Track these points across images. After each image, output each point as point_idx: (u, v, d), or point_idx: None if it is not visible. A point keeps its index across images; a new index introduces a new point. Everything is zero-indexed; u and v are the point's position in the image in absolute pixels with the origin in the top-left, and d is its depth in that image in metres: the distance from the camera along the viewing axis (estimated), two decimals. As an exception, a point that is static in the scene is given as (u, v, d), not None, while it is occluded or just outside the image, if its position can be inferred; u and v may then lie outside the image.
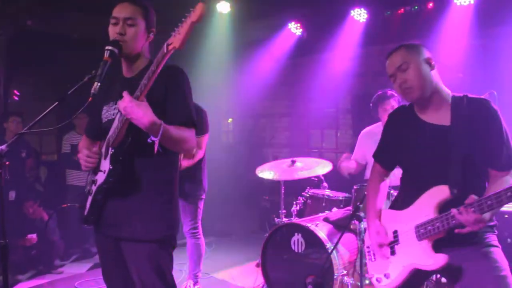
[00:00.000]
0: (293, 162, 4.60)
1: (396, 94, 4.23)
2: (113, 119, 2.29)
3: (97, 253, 2.54)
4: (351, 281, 3.81)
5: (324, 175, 4.71)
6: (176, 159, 2.44)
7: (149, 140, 2.09)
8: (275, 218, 4.60)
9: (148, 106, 2.06)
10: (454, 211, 2.04)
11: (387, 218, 2.46)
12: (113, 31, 2.29)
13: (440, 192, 2.18)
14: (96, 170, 2.35)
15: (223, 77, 7.91)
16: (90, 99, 2.13)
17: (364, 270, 3.38)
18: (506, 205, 2.00)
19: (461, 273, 2.17)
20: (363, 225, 3.52)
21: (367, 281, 3.45)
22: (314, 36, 7.43)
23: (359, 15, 6.72)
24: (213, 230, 6.73)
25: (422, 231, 2.21)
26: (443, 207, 2.16)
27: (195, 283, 4.47)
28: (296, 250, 4.02)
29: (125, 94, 2.07)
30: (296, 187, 5.01)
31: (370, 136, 4.39)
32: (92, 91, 2.12)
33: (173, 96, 2.25)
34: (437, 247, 2.19)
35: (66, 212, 5.77)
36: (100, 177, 2.28)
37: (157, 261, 2.27)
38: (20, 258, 5.14)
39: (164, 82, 2.14)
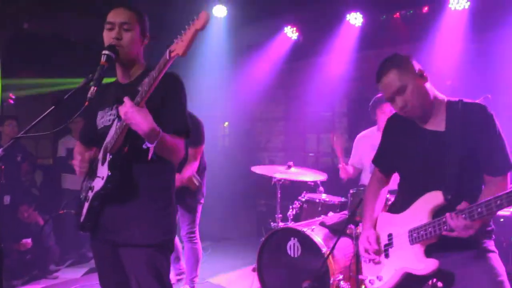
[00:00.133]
0: (289, 166, 4.62)
1: None
2: (109, 125, 2.29)
3: (93, 259, 2.52)
4: (347, 286, 3.80)
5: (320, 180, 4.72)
6: (173, 166, 2.44)
7: (144, 146, 2.09)
8: (271, 223, 4.60)
9: (148, 112, 2.06)
10: (447, 216, 2.05)
11: (383, 221, 2.47)
12: (108, 36, 2.29)
13: (434, 198, 2.19)
14: (92, 176, 2.35)
15: (219, 81, 7.91)
16: (87, 103, 2.12)
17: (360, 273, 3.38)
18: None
19: (457, 279, 2.17)
20: (359, 229, 3.52)
21: (363, 287, 3.45)
22: (310, 40, 7.44)
23: (355, 19, 6.74)
24: (209, 234, 6.71)
25: (415, 235, 2.22)
26: (437, 213, 2.16)
27: (191, 288, 4.46)
28: (292, 255, 4.02)
29: (126, 99, 2.06)
30: (292, 191, 5.02)
31: (366, 140, 4.41)
32: (89, 95, 2.11)
33: (170, 104, 2.25)
34: (430, 251, 2.19)
35: (62, 218, 5.75)
36: (98, 183, 2.27)
37: (155, 265, 2.27)
38: (15, 263, 5.11)
39: (161, 89, 2.13)
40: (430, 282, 3.67)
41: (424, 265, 2.17)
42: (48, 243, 5.50)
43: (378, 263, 2.40)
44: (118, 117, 2.15)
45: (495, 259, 2.19)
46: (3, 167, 4.80)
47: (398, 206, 2.45)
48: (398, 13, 6.45)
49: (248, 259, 5.59)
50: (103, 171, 2.25)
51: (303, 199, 4.69)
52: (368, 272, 2.49)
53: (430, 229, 2.14)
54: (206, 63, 7.31)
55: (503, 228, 4.17)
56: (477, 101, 2.35)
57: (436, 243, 2.17)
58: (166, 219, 2.35)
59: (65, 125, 2.31)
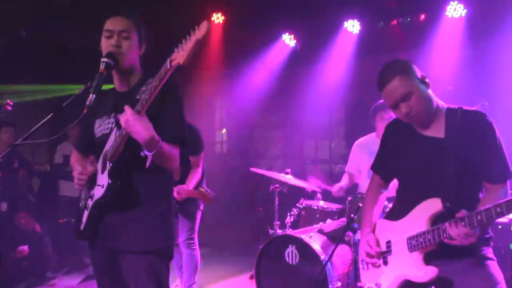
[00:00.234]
0: (287, 173, 4.63)
1: None
2: (108, 134, 2.29)
3: (92, 268, 2.51)
4: (345, 293, 3.80)
5: (320, 179, 4.73)
6: (171, 174, 2.43)
7: (142, 154, 2.10)
8: (269, 230, 4.59)
9: (148, 121, 2.06)
10: (447, 224, 2.04)
11: (382, 227, 2.46)
12: (107, 44, 2.28)
13: (432, 205, 2.18)
14: (91, 184, 2.34)
15: (217, 87, 7.92)
16: (86, 110, 2.12)
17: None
18: (500, 216, 2.01)
19: (456, 286, 2.17)
20: (357, 236, 3.51)
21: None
22: (308, 47, 7.47)
23: (353, 26, 6.78)
24: (207, 241, 6.68)
25: (413, 243, 2.21)
26: (436, 220, 2.16)
27: (189, 295, 4.44)
28: (290, 262, 4.01)
29: (126, 108, 2.06)
30: (290, 198, 5.01)
31: (364, 146, 4.41)
32: (87, 102, 2.11)
33: (168, 113, 2.25)
34: (429, 259, 2.19)
35: (59, 226, 5.74)
36: (98, 192, 2.26)
37: (155, 272, 2.26)
38: (12, 270, 5.09)
39: (159, 97, 2.12)
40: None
41: (424, 273, 2.17)
42: (46, 250, 5.48)
43: (379, 266, 2.38)
44: (118, 125, 2.15)
45: (494, 266, 2.19)
46: (1, 174, 4.79)
47: (396, 212, 2.44)
48: (395, 21, 6.49)
49: (245, 266, 5.58)
50: (103, 179, 2.25)
51: (301, 206, 4.69)
52: (366, 279, 2.48)
53: (429, 236, 2.13)
54: (204, 70, 7.32)
55: (501, 235, 4.17)
56: (474, 108, 2.35)
57: (434, 250, 2.17)
58: (166, 225, 2.35)
59: (64, 132, 2.31)
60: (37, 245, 5.37)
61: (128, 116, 2.04)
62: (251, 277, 4.41)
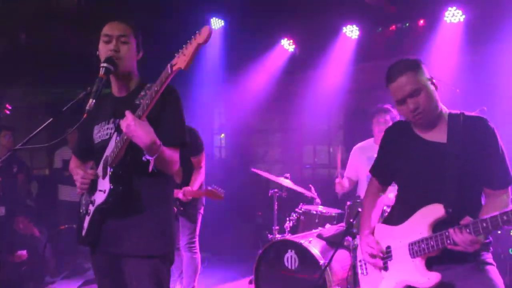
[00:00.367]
0: (286, 178, 4.64)
1: (392, 110, 4.27)
2: (107, 139, 2.29)
3: (94, 273, 2.51)
4: (344, 298, 3.79)
5: (317, 191, 4.73)
6: (171, 177, 2.44)
7: (144, 159, 2.10)
8: (268, 234, 4.60)
9: (149, 125, 2.07)
10: (450, 231, 2.03)
11: (381, 233, 2.45)
12: (106, 49, 2.29)
13: (435, 211, 2.17)
14: (92, 190, 2.34)
15: (216, 92, 7.93)
16: (85, 115, 2.13)
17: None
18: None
19: (456, 291, 2.16)
20: (356, 241, 3.51)
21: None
22: (307, 52, 7.48)
23: (351, 31, 6.79)
24: (206, 246, 6.67)
25: (415, 249, 2.19)
26: (437, 226, 2.15)
27: (189, 299, 4.43)
28: (289, 267, 4.01)
29: (127, 113, 2.07)
30: (289, 203, 5.01)
31: (363, 151, 4.42)
32: (87, 107, 2.12)
33: (168, 117, 2.26)
34: (430, 264, 2.18)
35: (62, 233, 5.73)
36: (99, 197, 2.26)
37: (157, 276, 2.27)
38: (10, 274, 5.07)
39: (159, 102, 2.13)
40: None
41: (427, 279, 2.15)
42: (45, 255, 5.47)
43: (381, 269, 2.36)
44: (118, 130, 2.15)
45: (494, 271, 2.19)
46: (0, 179, 4.79)
47: (395, 217, 2.43)
48: (394, 26, 6.50)
49: (245, 271, 5.56)
50: (104, 184, 2.25)
51: (300, 211, 4.69)
52: (365, 285, 2.47)
53: (432, 242, 2.12)
54: (202, 75, 7.33)
55: (500, 241, 4.18)
56: (473, 113, 2.35)
57: (436, 256, 2.16)
58: (167, 230, 2.35)
59: (64, 137, 2.31)
60: (35, 250, 5.36)
61: (129, 121, 2.04)
62: (250, 282, 4.40)
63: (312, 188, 4.81)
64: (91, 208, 2.32)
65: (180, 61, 1.94)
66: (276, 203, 4.68)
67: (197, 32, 1.90)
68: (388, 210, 2.67)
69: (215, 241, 7.15)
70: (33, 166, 7.87)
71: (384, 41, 6.61)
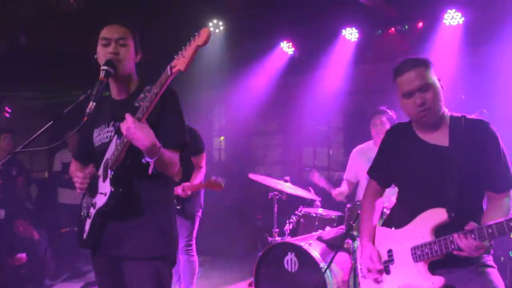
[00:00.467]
0: (286, 181, 4.63)
1: (388, 111, 4.27)
2: (107, 142, 2.29)
3: (95, 276, 2.50)
4: (344, 301, 3.79)
5: (317, 194, 4.73)
6: (171, 179, 2.45)
7: (143, 161, 2.11)
8: (268, 237, 4.59)
9: (149, 128, 2.07)
10: (455, 236, 2.02)
11: (382, 236, 2.44)
12: (105, 52, 2.29)
13: (437, 215, 2.16)
14: (93, 193, 2.34)
15: (216, 95, 7.93)
16: (86, 118, 2.13)
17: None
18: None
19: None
20: (357, 244, 3.51)
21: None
22: (306, 55, 7.49)
23: (351, 34, 6.80)
24: (206, 249, 6.67)
25: (419, 253, 2.19)
26: (439, 230, 2.15)
27: (188, 303, 4.42)
28: (289, 270, 4.00)
29: (127, 116, 2.07)
30: (289, 205, 5.01)
31: (362, 154, 4.42)
32: (88, 110, 2.12)
33: (168, 119, 2.26)
34: (433, 268, 2.18)
35: (64, 236, 5.72)
36: (100, 200, 2.26)
37: (158, 278, 2.26)
38: (10, 277, 5.06)
39: (159, 104, 2.13)
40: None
41: (431, 283, 2.14)
42: (44, 257, 5.46)
43: (380, 281, 2.36)
44: (118, 133, 2.15)
45: (494, 274, 2.19)
46: (0, 181, 4.78)
47: (396, 219, 2.42)
48: (393, 29, 6.52)
49: (244, 274, 5.56)
50: (105, 187, 2.25)
51: (300, 214, 4.68)
52: None
53: (435, 247, 2.11)
54: (202, 78, 7.33)
55: (501, 243, 4.17)
56: (473, 115, 2.35)
57: (438, 260, 2.16)
58: (168, 231, 2.35)
59: (64, 140, 2.31)
60: (35, 253, 5.35)
61: (129, 124, 2.04)
62: (250, 285, 4.39)
63: (312, 190, 4.80)
64: (92, 211, 2.32)
65: (179, 63, 1.94)
66: (276, 205, 4.68)
67: (196, 34, 1.90)
68: (388, 212, 2.67)
69: (215, 244, 7.14)
70: (33, 169, 7.87)
71: (383, 43, 6.63)
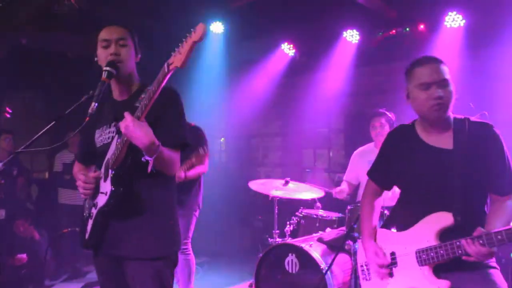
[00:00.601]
0: (287, 182, 4.62)
1: (388, 113, 4.28)
2: (109, 143, 2.30)
3: (97, 276, 2.50)
4: (345, 302, 3.79)
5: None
6: (173, 178, 2.44)
7: (143, 159, 2.11)
8: (269, 238, 4.58)
9: (148, 126, 2.07)
10: (463, 242, 2.02)
11: (383, 238, 2.43)
12: (106, 53, 2.30)
13: (443, 219, 2.16)
14: (94, 193, 2.34)
15: (216, 96, 7.92)
16: (88, 118, 2.14)
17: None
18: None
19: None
20: (357, 245, 3.51)
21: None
22: (307, 56, 7.49)
23: (352, 36, 6.80)
24: (206, 250, 6.68)
25: (424, 257, 2.18)
26: (444, 234, 2.14)
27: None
28: (290, 271, 4.00)
29: (126, 114, 2.07)
30: (289, 207, 5.01)
31: (363, 155, 4.43)
32: (90, 111, 2.13)
33: (168, 118, 2.26)
34: (437, 271, 2.17)
35: (65, 237, 5.72)
36: (101, 200, 2.27)
37: (160, 279, 2.26)
38: (10, 277, 5.06)
39: (158, 103, 2.13)
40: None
41: (437, 286, 2.14)
42: (44, 258, 5.46)
43: (389, 275, 2.34)
44: (119, 133, 2.16)
45: (497, 275, 2.19)
46: (2, 181, 4.78)
47: (397, 220, 2.42)
48: (394, 31, 6.51)
49: (245, 275, 5.57)
50: (105, 186, 2.25)
51: (301, 215, 4.69)
52: (368, 290, 2.46)
53: (441, 252, 2.11)
54: (203, 79, 7.33)
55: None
56: (474, 117, 2.35)
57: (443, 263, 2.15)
58: (169, 231, 2.35)
59: (65, 140, 2.32)
60: (35, 253, 5.35)
61: (128, 122, 2.05)
62: (251, 286, 4.39)
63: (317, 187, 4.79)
64: (94, 211, 2.32)
65: (176, 59, 1.94)
66: (276, 207, 4.68)
67: (192, 30, 1.90)
68: (387, 213, 2.67)
69: (215, 245, 7.15)
70: (33, 169, 7.86)
71: (384, 45, 6.62)
